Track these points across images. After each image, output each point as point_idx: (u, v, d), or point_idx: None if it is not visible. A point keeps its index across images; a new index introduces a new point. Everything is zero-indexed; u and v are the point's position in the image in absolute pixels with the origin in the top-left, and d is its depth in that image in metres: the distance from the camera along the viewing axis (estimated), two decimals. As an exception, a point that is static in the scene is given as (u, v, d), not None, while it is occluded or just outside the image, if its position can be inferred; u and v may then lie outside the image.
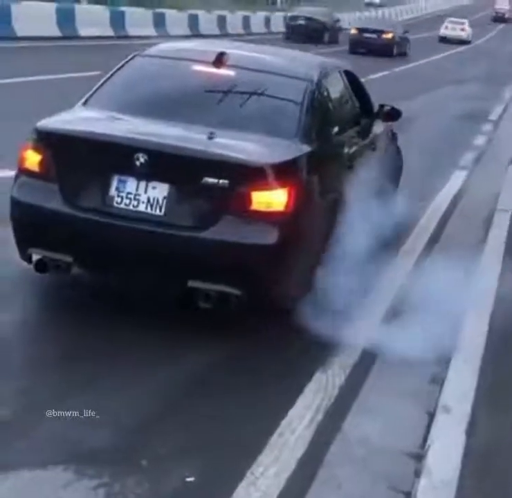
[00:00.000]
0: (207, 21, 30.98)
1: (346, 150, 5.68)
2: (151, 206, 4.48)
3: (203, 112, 4.96)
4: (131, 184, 4.50)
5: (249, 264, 4.44)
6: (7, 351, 4.29)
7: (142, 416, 3.77)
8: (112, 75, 5.34)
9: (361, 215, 5.27)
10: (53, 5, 22.38)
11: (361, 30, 30.39)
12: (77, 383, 3.98)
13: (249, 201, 4.42)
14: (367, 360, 4.50)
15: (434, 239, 7.00)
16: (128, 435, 3.62)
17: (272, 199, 4.46)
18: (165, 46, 5.94)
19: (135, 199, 4.50)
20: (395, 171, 7.43)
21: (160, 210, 4.47)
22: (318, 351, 4.50)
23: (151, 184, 4.48)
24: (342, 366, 4.41)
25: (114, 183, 4.51)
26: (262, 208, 4.45)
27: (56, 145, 4.62)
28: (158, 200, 4.47)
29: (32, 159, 4.65)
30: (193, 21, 29.92)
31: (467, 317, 4.89)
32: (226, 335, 4.58)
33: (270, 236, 4.45)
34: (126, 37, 23.56)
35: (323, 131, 5.26)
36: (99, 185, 4.54)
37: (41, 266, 4.70)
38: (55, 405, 3.72)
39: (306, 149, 4.83)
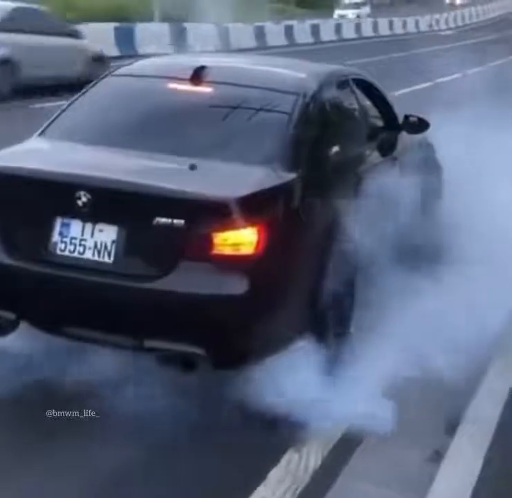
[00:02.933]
0: (273, 31, 30.54)
1: (352, 171, 4.87)
2: (99, 252, 3.81)
3: (170, 138, 4.26)
4: (75, 227, 3.85)
5: (212, 319, 3.71)
6: None
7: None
8: (76, 99, 4.72)
9: (371, 252, 4.41)
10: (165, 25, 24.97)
11: None
12: None
13: (210, 244, 3.69)
14: (352, 438, 3.63)
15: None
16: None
17: (238, 240, 3.71)
18: (142, 63, 5.26)
19: (80, 245, 3.84)
20: (430, 191, 6.39)
21: (109, 257, 3.80)
22: (293, 424, 3.63)
23: (98, 226, 3.82)
24: (321, 445, 3.58)
25: (57, 227, 3.87)
26: (227, 251, 3.71)
27: None
28: (106, 246, 3.80)
29: None
30: (260, 31, 29.51)
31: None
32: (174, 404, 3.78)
33: (237, 285, 3.70)
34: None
35: (317, 151, 4.45)
36: (40, 229, 3.89)
37: (-18, 326, 4.08)
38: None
39: (288, 176, 4.05)
